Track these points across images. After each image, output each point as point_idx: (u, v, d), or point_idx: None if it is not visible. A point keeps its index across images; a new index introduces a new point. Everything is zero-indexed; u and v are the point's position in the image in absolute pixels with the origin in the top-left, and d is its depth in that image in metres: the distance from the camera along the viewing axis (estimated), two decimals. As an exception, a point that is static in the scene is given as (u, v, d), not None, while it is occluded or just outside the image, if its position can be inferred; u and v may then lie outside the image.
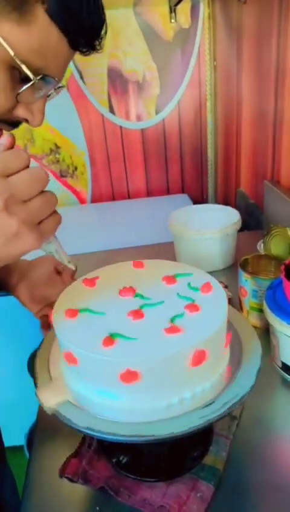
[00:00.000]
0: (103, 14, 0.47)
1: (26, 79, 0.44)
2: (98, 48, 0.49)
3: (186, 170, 1.96)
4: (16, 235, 0.38)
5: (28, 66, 0.43)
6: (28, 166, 0.40)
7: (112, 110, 1.81)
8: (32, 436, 0.72)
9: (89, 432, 0.46)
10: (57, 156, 1.86)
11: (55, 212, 0.43)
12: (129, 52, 1.70)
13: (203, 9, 1.65)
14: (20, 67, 0.43)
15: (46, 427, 0.67)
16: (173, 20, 1.67)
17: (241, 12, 1.34)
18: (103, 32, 0.48)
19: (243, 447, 0.61)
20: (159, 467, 0.58)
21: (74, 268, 0.54)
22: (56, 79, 0.46)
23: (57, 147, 1.85)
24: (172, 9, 1.64)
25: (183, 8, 1.67)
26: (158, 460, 0.59)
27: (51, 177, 1.91)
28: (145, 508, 0.53)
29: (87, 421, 0.47)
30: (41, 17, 0.42)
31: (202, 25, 1.67)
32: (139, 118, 1.84)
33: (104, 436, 0.45)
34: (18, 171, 0.39)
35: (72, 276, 0.69)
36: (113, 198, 1.96)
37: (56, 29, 0.43)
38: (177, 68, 1.77)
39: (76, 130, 1.83)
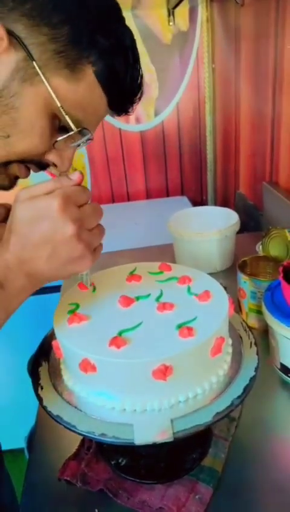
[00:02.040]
0: (142, 82, 0.51)
1: (65, 128, 0.48)
2: (130, 111, 0.53)
3: (186, 172, 1.97)
4: (79, 258, 0.45)
5: (70, 118, 0.47)
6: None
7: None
8: (32, 439, 0.73)
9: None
10: (57, 158, 1.87)
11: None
12: (128, 54, 1.71)
13: (202, 12, 1.65)
14: (64, 117, 0.46)
15: (45, 429, 0.67)
16: (171, 23, 1.68)
17: (239, 15, 1.35)
18: (137, 98, 0.52)
19: (242, 449, 0.61)
20: (158, 469, 0.58)
21: (90, 288, 0.58)
22: (91, 132, 0.50)
23: (57, 149, 1.85)
24: (170, 12, 1.65)
25: (182, 11, 1.67)
26: (157, 462, 0.59)
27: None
28: (144, 510, 0.53)
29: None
30: (89, 77, 0.46)
31: (200, 27, 1.68)
32: (138, 121, 1.84)
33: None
34: (84, 204, 0.46)
35: None
36: (113, 200, 1.97)
37: (100, 89, 0.47)
38: (176, 71, 1.77)
39: (75, 133, 1.83)
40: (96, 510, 0.54)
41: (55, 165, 0.52)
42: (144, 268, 0.62)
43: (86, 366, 0.47)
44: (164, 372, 0.45)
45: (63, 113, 0.46)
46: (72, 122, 0.47)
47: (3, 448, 0.83)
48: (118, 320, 0.51)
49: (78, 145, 0.52)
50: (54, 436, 0.65)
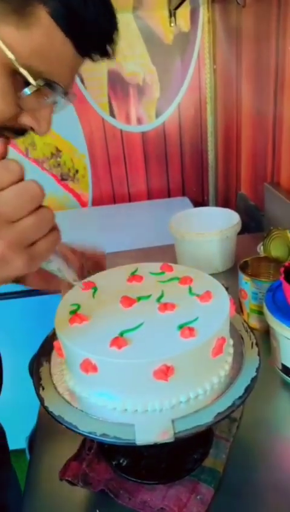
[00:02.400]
0: (114, 17, 0.45)
1: (30, 84, 0.42)
2: (109, 54, 0.47)
3: (187, 173, 1.97)
4: (1, 259, 0.35)
5: (29, 71, 0.40)
6: (21, 180, 0.36)
7: (112, 114, 1.81)
8: (33, 440, 0.73)
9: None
10: (58, 159, 1.87)
11: (53, 230, 0.40)
12: (129, 55, 1.71)
13: (203, 13, 1.65)
14: (20, 70, 0.40)
15: (46, 430, 0.67)
16: (172, 24, 1.68)
17: (240, 16, 1.35)
18: (115, 37, 0.46)
19: (243, 449, 0.61)
20: (159, 469, 0.58)
21: (81, 286, 0.54)
22: (61, 85, 0.43)
23: (58, 150, 1.85)
24: (172, 13, 1.65)
25: (183, 12, 1.67)
26: (158, 462, 0.59)
27: (52, 181, 1.92)
28: (145, 511, 0.53)
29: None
30: (43, 20, 0.40)
31: (201, 28, 1.68)
32: (139, 121, 1.84)
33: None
34: (7, 186, 0.35)
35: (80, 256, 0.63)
36: (114, 201, 1.97)
37: (60, 33, 0.41)
38: (177, 71, 1.77)
39: (77, 134, 1.84)
40: (97, 511, 0.54)
41: (33, 129, 0.46)
42: (145, 268, 0.62)
43: (87, 366, 0.47)
44: (165, 372, 0.45)
45: (18, 66, 0.39)
46: (34, 75, 0.40)
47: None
48: (119, 320, 0.51)
49: (55, 103, 0.45)
50: (55, 437, 0.65)
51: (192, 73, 1.77)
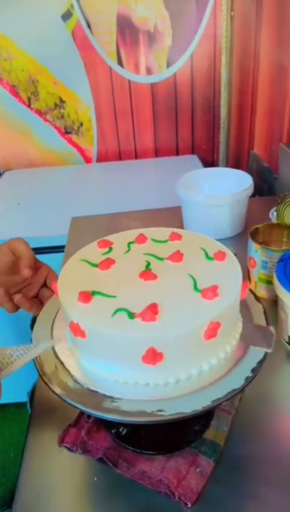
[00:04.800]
0: None
1: None
2: None
3: (197, 129, 1.88)
4: None
5: None
6: None
7: (120, 62, 1.71)
8: (34, 394, 0.73)
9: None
10: (62, 110, 1.78)
11: None
12: (140, -2, 1.58)
13: None
14: None
15: (45, 394, 0.66)
16: None
17: None
18: None
19: (246, 422, 0.60)
20: (159, 439, 0.58)
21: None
22: None
23: (62, 101, 1.76)
24: None
25: None
26: (158, 432, 0.58)
27: (56, 133, 1.85)
28: (143, 481, 0.53)
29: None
30: None
31: None
32: (149, 71, 1.74)
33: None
34: None
35: (29, 265, 0.63)
36: (120, 157, 1.90)
37: None
38: (192, 18, 1.65)
39: (82, 83, 1.74)
40: (95, 479, 0.54)
41: None
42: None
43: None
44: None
45: None
46: None
47: (6, 401, 0.83)
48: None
49: None
50: (54, 402, 0.64)
51: (207, 20, 1.65)
